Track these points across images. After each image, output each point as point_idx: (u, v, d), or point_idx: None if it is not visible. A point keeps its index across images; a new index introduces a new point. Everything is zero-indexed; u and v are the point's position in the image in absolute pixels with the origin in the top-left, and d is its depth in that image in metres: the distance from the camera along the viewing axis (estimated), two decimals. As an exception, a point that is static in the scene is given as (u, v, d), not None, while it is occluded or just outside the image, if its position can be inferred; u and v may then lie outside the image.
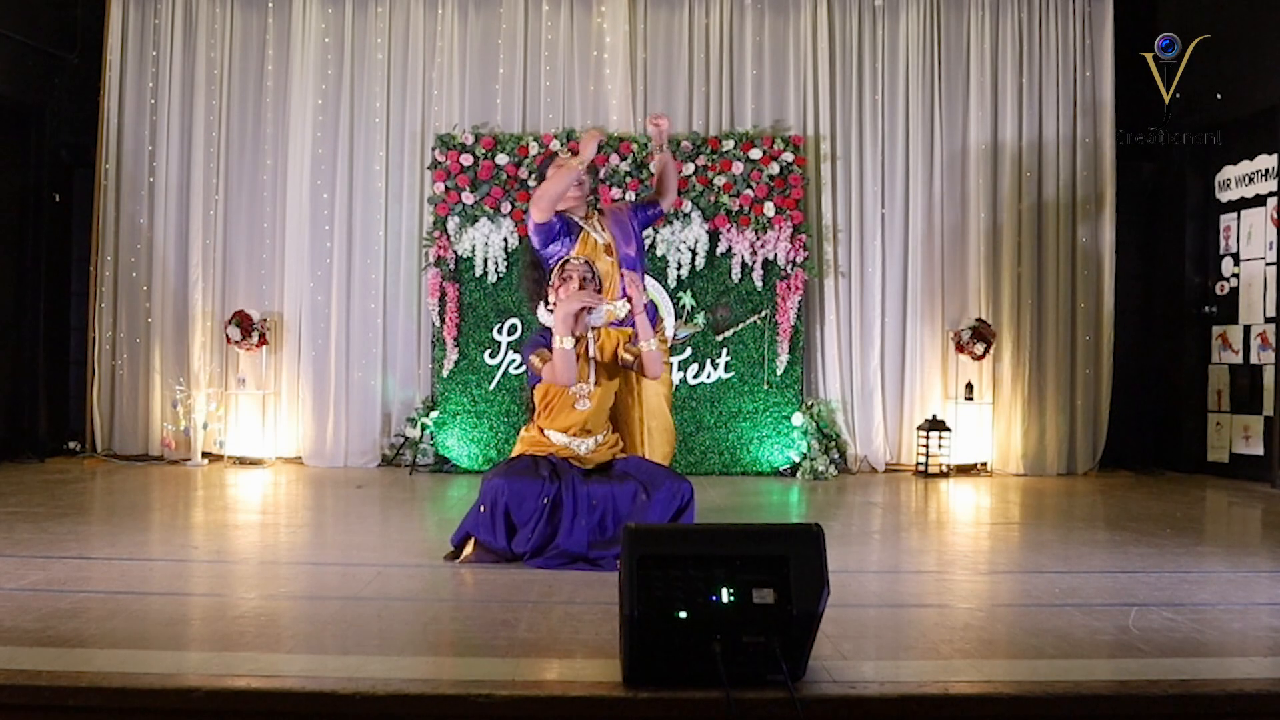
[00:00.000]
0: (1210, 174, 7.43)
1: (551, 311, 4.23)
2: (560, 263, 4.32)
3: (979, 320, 7.17)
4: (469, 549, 4.02)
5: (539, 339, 4.28)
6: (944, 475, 6.93)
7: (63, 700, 2.41)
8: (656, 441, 4.62)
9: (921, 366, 7.29)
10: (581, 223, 4.62)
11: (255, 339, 7.05)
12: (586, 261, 4.30)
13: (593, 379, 4.26)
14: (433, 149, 7.09)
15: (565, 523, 3.95)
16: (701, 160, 7.02)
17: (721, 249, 7.01)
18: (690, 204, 6.97)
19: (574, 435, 4.25)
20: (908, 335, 7.29)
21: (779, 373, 6.99)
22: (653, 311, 4.64)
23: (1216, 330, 7.35)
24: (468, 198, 6.96)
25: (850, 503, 5.93)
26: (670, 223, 6.92)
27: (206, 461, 7.11)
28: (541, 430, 4.28)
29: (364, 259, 7.26)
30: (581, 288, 4.19)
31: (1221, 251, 7.35)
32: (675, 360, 6.96)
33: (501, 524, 3.95)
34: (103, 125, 7.30)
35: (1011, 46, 7.35)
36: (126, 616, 3.11)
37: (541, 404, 4.28)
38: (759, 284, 7.00)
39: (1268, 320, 6.88)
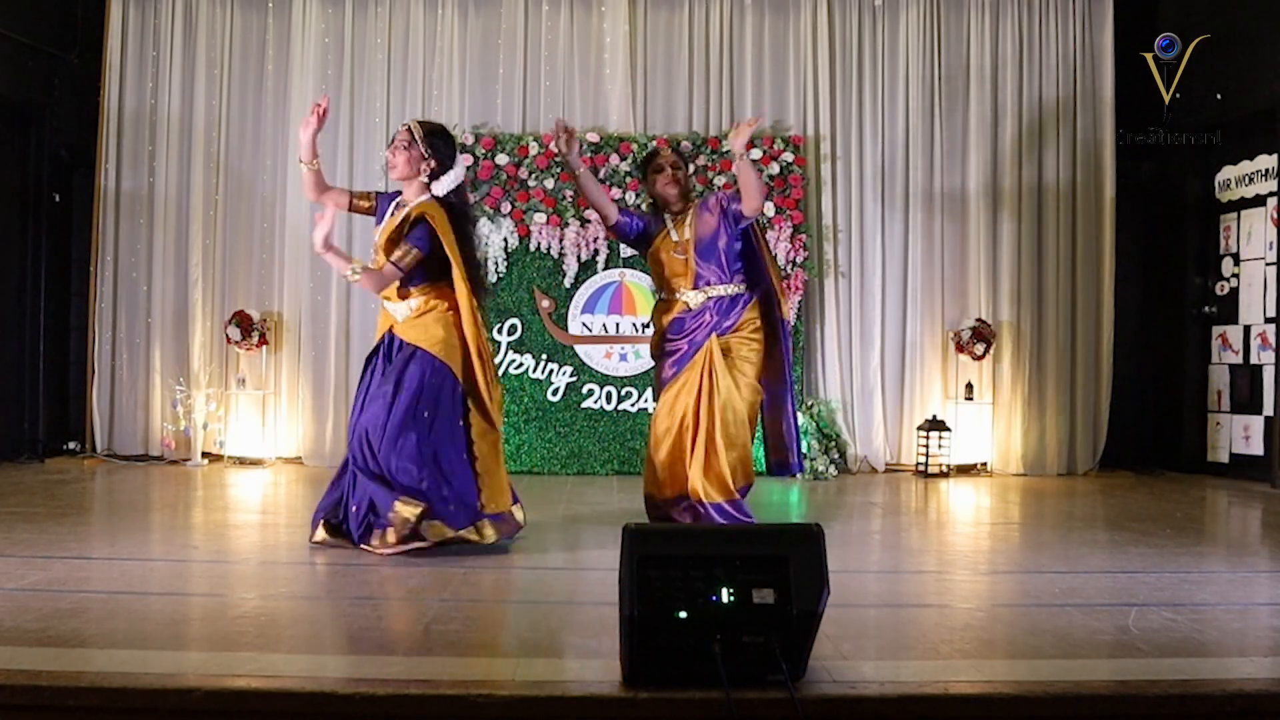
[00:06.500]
0: (1210, 174, 7.42)
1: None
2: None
3: (979, 320, 7.16)
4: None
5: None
6: (944, 475, 6.93)
7: (63, 700, 2.41)
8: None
9: (921, 366, 7.28)
10: (669, 218, 4.78)
11: (255, 339, 7.05)
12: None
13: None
14: (433, 149, 7.09)
15: None
16: (701, 160, 7.01)
17: (721, 249, 7.00)
18: (690, 204, 6.97)
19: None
20: (908, 335, 7.29)
21: (779, 373, 6.98)
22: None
23: (1216, 330, 7.35)
24: (468, 198, 6.97)
25: (850, 503, 5.93)
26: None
27: (206, 462, 7.11)
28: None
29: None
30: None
31: (1221, 251, 7.34)
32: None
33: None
34: (103, 125, 7.29)
35: (1011, 46, 7.35)
36: (126, 616, 3.12)
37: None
38: (759, 284, 6.99)
39: (1268, 320, 6.88)
